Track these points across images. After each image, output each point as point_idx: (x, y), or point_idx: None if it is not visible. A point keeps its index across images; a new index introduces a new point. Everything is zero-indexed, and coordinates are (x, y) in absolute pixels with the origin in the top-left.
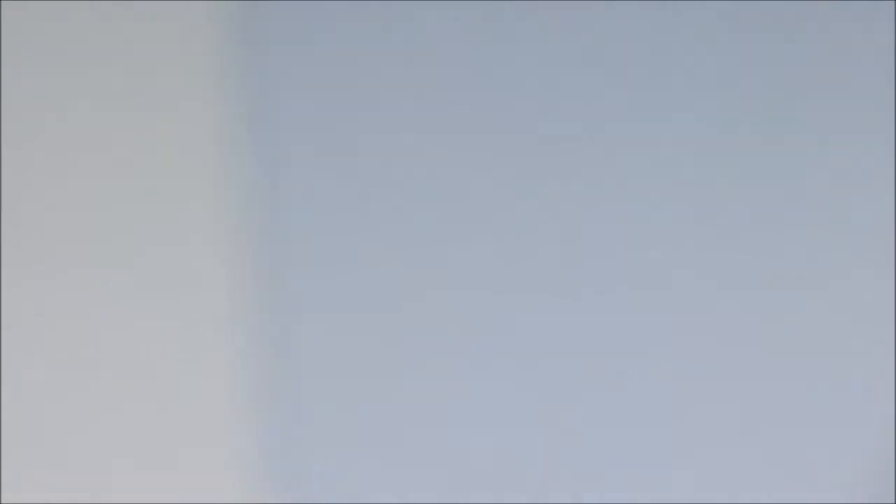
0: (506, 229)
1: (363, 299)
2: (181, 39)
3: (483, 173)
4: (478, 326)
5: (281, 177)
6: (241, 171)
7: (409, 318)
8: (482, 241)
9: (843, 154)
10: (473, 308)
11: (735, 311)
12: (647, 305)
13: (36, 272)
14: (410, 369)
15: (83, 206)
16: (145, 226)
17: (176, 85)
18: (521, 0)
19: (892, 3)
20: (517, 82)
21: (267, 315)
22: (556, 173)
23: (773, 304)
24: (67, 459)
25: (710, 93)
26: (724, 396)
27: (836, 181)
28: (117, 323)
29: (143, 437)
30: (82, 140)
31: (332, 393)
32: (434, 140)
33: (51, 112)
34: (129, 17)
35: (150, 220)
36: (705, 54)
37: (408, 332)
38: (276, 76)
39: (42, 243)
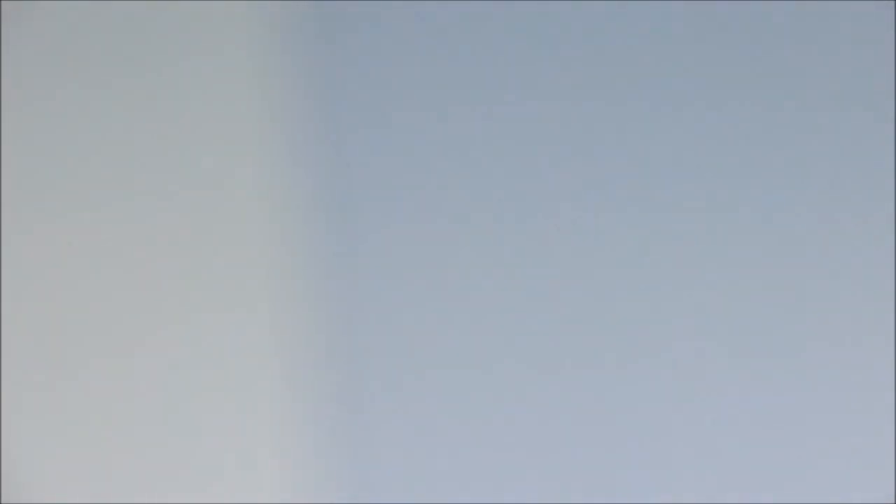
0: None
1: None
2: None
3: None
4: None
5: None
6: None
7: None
8: (498, 248)
9: (844, 154)
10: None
11: (736, 313)
12: (649, 307)
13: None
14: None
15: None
16: (195, 239)
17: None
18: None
19: (892, 2)
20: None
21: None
22: (569, 176)
23: (773, 303)
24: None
25: (711, 95)
26: (725, 397)
27: (836, 181)
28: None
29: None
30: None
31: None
32: (445, 144)
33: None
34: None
35: (195, 231)
36: (706, 57)
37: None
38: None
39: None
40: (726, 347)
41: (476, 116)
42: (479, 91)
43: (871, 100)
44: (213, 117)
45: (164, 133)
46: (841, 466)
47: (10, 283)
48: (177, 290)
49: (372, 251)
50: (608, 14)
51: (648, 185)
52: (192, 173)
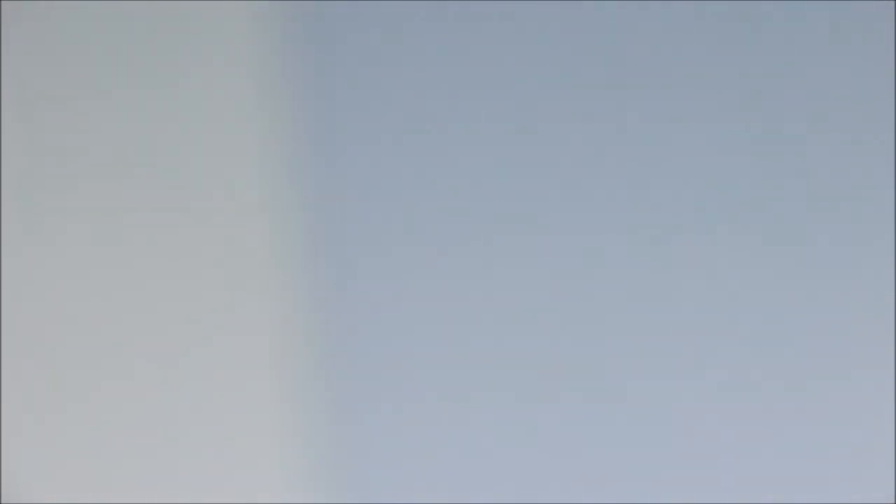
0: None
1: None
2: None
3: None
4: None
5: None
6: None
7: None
8: (494, 246)
9: (843, 154)
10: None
11: (736, 313)
12: (646, 306)
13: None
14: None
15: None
16: (196, 239)
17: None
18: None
19: (893, 2)
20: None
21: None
22: (567, 177)
23: (773, 302)
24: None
25: (711, 94)
26: (725, 398)
27: (836, 181)
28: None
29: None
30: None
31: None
32: (448, 142)
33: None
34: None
35: (196, 232)
36: (706, 56)
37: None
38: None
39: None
40: (726, 348)
41: (475, 118)
42: (477, 93)
43: (871, 100)
44: (211, 119)
45: (164, 133)
46: (841, 466)
47: (10, 283)
48: (175, 291)
49: (369, 252)
50: (603, 14)
51: (647, 186)
52: (190, 174)
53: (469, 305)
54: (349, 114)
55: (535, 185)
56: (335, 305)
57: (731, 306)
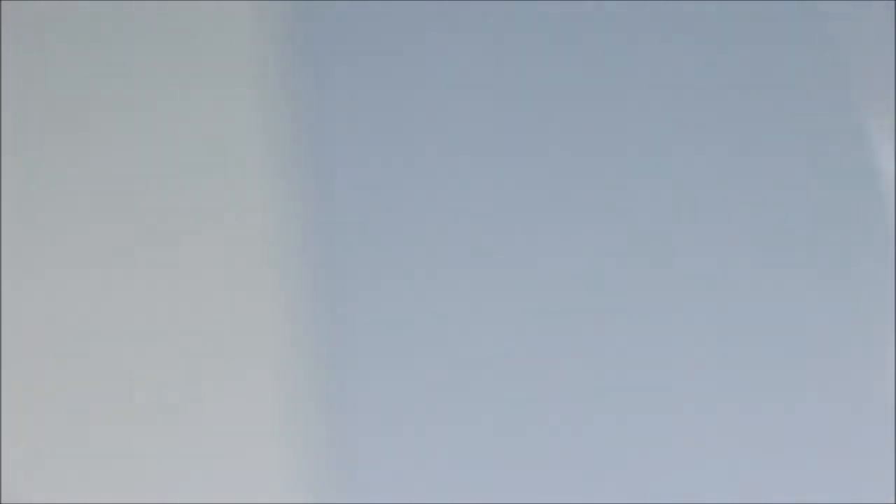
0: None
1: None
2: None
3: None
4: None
5: (315, 168)
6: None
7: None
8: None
9: (843, 154)
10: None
11: (735, 311)
12: (648, 308)
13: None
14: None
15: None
16: (194, 236)
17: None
18: (532, 1)
19: (893, 2)
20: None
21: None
22: (567, 178)
23: (773, 301)
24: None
25: (711, 95)
26: (725, 397)
27: (835, 181)
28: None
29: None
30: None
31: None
32: (447, 145)
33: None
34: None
35: (197, 229)
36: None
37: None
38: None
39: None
40: (726, 348)
41: (475, 119)
42: (478, 94)
43: (870, 100)
44: (211, 119)
45: (163, 133)
46: (841, 466)
47: (10, 283)
48: (175, 291)
49: (369, 252)
50: (605, 16)
51: (646, 187)
52: (190, 174)
53: (469, 306)
54: (349, 114)
55: (535, 185)
56: (335, 305)
57: (731, 306)
